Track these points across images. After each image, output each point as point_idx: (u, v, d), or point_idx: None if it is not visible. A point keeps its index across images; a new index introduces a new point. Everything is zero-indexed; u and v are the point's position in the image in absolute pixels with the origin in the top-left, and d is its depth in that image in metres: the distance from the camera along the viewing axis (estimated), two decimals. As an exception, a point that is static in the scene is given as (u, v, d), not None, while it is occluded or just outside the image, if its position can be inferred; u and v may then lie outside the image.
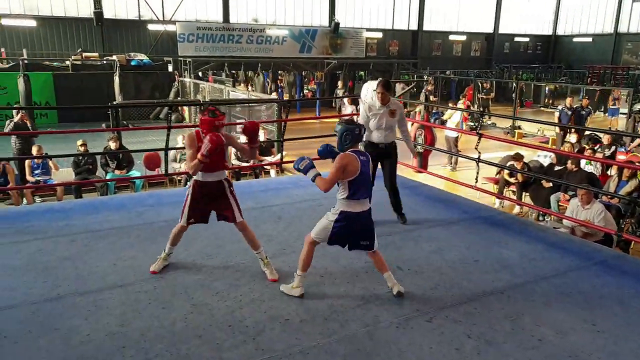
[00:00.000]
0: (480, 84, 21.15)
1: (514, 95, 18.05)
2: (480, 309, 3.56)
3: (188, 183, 3.97)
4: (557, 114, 14.69)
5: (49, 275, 3.91)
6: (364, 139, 4.68)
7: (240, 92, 14.13)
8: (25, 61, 16.24)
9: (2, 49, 19.60)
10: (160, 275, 3.93)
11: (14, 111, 9.73)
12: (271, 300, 3.61)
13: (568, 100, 14.79)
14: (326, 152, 3.59)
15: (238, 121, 11.57)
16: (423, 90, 20.79)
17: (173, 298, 3.61)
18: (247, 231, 3.96)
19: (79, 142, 8.71)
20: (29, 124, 9.19)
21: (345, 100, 15.90)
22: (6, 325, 3.22)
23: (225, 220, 3.95)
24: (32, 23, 20.57)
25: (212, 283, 3.84)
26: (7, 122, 9.37)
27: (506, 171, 8.71)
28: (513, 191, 8.89)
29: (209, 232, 4.74)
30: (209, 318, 3.36)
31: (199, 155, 3.61)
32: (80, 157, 8.77)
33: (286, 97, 21.56)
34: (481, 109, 17.31)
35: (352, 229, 3.51)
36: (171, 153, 8.53)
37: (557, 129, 14.17)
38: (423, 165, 10.39)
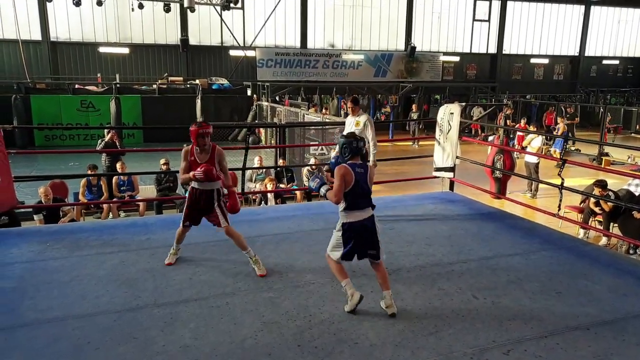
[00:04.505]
0: (563, 109, 20.19)
1: (601, 120, 17.04)
2: (563, 344, 3.32)
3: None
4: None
5: (130, 286, 4.10)
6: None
7: (314, 116, 14.34)
8: (118, 85, 17.39)
9: (99, 74, 21.14)
10: (232, 292, 4.01)
11: (105, 131, 10.40)
12: (340, 322, 3.56)
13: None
14: (334, 165, 3.84)
15: (312, 143, 11.73)
16: (502, 114, 20.14)
17: (244, 315, 3.65)
18: (233, 235, 4.42)
19: (162, 161, 9.13)
20: (117, 143, 9.78)
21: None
22: (90, 332, 3.39)
23: (213, 224, 4.46)
24: (125, 50, 22.10)
25: (282, 302, 3.86)
26: (99, 141, 10.04)
27: (593, 200, 8.19)
28: (599, 221, 8.33)
29: (279, 250, 4.80)
30: (278, 337, 3.37)
31: (191, 174, 4.27)
32: (162, 175, 9.20)
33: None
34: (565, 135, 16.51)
35: (360, 237, 3.62)
36: (247, 173, 8.77)
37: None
38: (501, 191, 10.02)
